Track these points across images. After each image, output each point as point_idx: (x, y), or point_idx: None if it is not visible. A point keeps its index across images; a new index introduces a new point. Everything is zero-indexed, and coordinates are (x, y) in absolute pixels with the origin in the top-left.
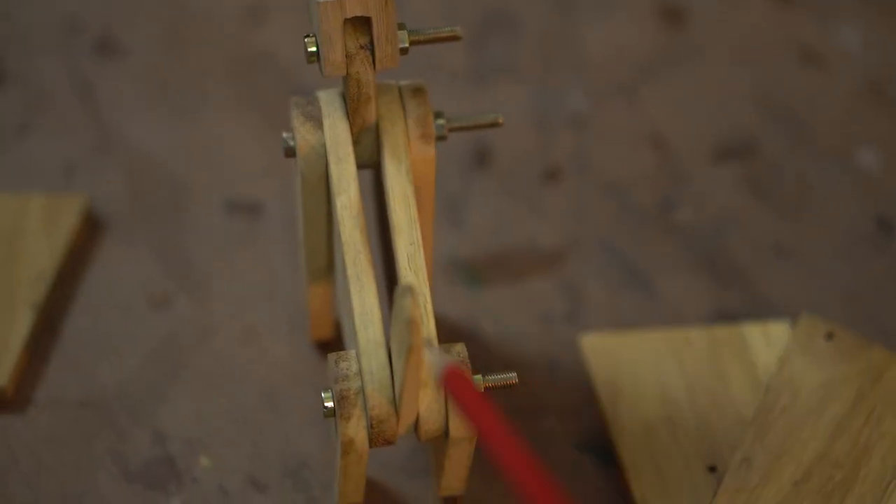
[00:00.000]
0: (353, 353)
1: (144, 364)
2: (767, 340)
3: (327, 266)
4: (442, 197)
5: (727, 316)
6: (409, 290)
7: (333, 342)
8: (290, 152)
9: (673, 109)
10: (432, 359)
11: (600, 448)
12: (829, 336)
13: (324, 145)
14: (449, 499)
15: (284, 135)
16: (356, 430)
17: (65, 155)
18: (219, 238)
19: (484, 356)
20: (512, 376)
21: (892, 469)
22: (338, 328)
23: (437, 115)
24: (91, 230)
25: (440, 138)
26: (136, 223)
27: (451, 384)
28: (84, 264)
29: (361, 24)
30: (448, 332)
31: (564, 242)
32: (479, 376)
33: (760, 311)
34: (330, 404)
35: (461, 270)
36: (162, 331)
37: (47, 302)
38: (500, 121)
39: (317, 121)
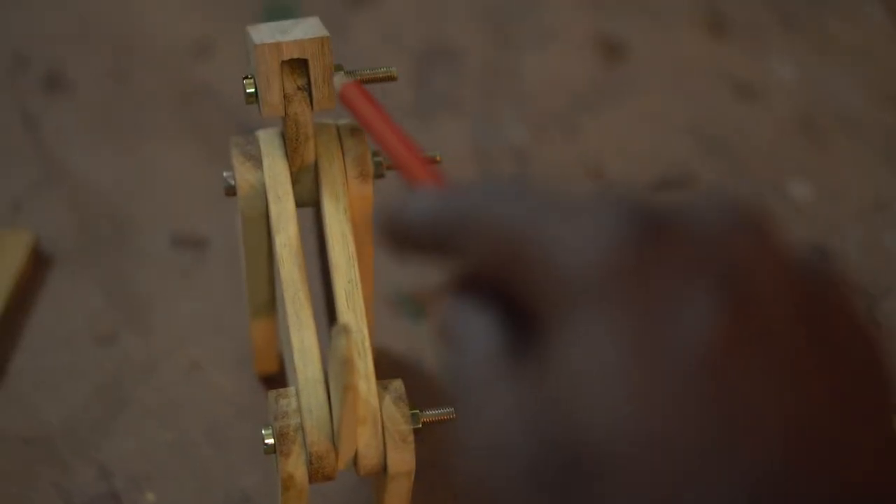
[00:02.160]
0: (292, 389)
1: (89, 399)
2: None
3: (270, 301)
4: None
5: None
6: (345, 329)
7: (278, 376)
8: (231, 191)
9: (612, 141)
10: (335, 81)
11: None
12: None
13: (263, 184)
14: None
15: (225, 174)
16: (296, 466)
17: (10, 191)
18: (164, 272)
19: (426, 389)
20: (449, 411)
21: None
22: (283, 362)
23: (375, 153)
24: (37, 266)
25: (378, 176)
26: (81, 258)
27: (348, 96)
28: (30, 300)
29: (298, 66)
30: (391, 366)
31: None
32: (416, 411)
33: None
34: (270, 441)
35: (404, 304)
36: (107, 366)
37: None
38: (438, 158)
39: (256, 160)
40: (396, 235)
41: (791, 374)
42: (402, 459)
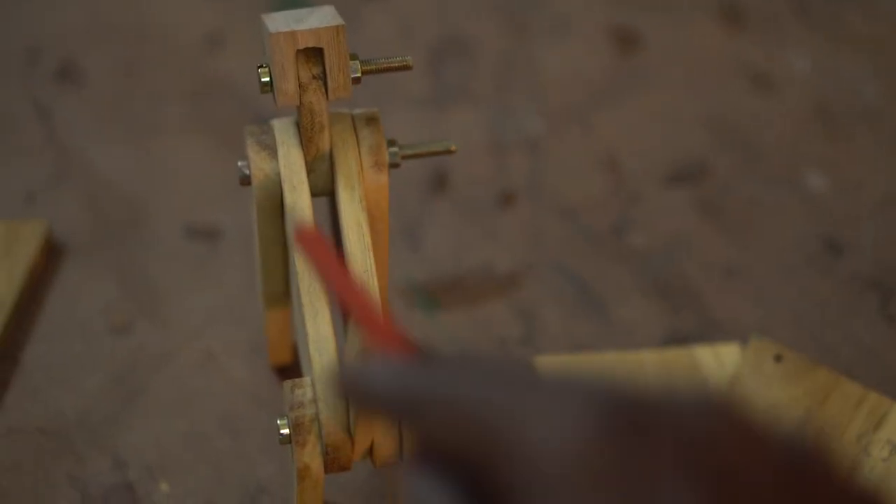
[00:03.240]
0: (308, 379)
1: (104, 390)
2: (718, 362)
3: (284, 291)
4: (399, 222)
5: (679, 337)
6: None
7: (292, 366)
8: (246, 181)
9: (626, 133)
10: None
11: None
12: (778, 358)
13: (278, 174)
14: None
15: (240, 163)
16: (311, 456)
17: (24, 182)
18: (178, 262)
19: None
20: None
21: None
22: (297, 352)
23: (391, 142)
24: (51, 256)
25: (393, 166)
26: (95, 249)
27: (304, 244)
28: (44, 290)
29: (314, 55)
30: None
31: (520, 266)
32: None
33: (711, 332)
34: (286, 431)
35: (418, 295)
36: (121, 356)
37: (7, 329)
38: (453, 148)
39: (271, 150)
40: (356, 396)
41: None
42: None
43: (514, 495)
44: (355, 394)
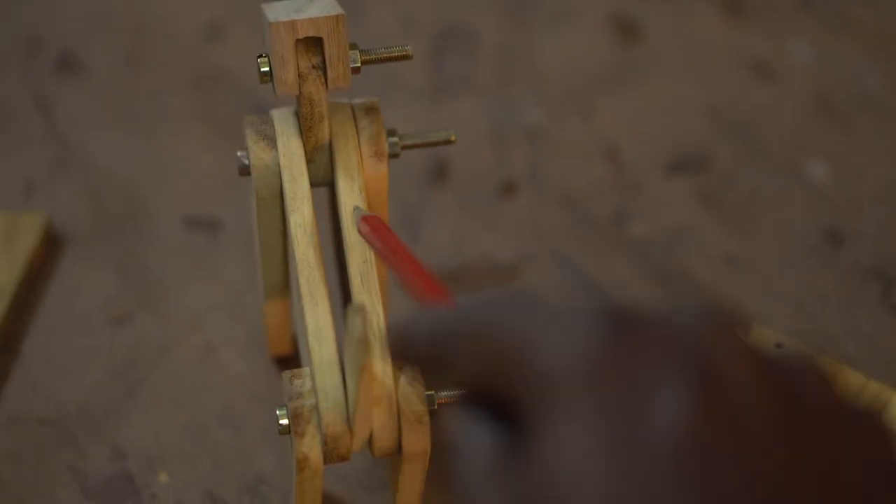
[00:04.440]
0: (307, 370)
1: (104, 381)
2: None
3: (284, 282)
4: (399, 211)
5: None
6: (361, 309)
7: (292, 358)
8: (245, 171)
9: (627, 122)
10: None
11: None
12: (778, 346)
13: (278, 164)
14: None
15: (239, 153)
16: (310, 447)
17: (24, 173)
18: (178, 254)
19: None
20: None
21: None
22: (296, 344)
23: (390, 132)
24: (50, 248)
25: (393, 156)
26: (95, 240)
27: (368, 228)
28: (43, 282)
29: (313, 45)
30: None
31: (520, 256)
32: (431, 392)
33: None
34: (285, 422)
35: None
36: (121, 348)
37: (6, 320)
38: (453, 138)
39: (271, 140)
40: (403, 351)
41: (765, 461)
42: (418, 440)
43: (531, 410)
44: (401, 349)
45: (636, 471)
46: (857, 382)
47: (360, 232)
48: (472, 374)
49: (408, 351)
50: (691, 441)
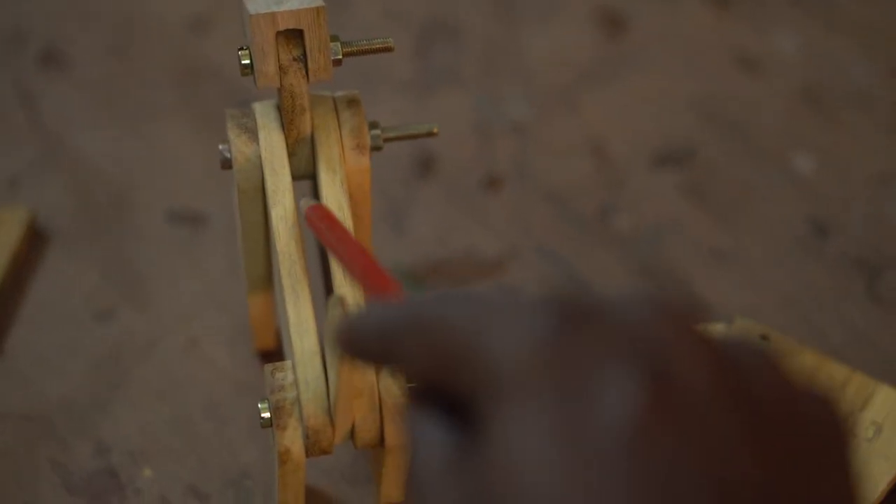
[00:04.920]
0: (289, 363)
1: (88, 376)
2: None
3: (267, 275)
4: (385, 204)
5: None
6: (341, 301)
7: (277, 351)
8: (227, 164)
9: (613, 116)
10: (300, 205)
11: None
12: (763, 339)
13: (259, 157)
14: None
15: (221, 146)
16: (292, 439)
17: (7, 167)
18: (162, 248)
19: None
20: None
21: None
22: (281, 337)
23: (373, 125)
24: (34, 242)
25: (375, 149)
26: (79, 235)
27: (314, 218)
28: (27, 277)
29: (294, 37)
30: None
31: (505, 250)
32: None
33: None
34: (267, 415)
35: (403, 278)
36: (105, 342)
37: None
38: (436, 130)
39: (252, 133)
40: (351, 345)
41: (716, 449)
42: (400, 432)
43: (480, 406)
44: (349, 343)
45: (587, 465)
46: (840, 374)
47: (307, 222)
48: (422, 369)
49: (356, 344)
50: (641, 433)
